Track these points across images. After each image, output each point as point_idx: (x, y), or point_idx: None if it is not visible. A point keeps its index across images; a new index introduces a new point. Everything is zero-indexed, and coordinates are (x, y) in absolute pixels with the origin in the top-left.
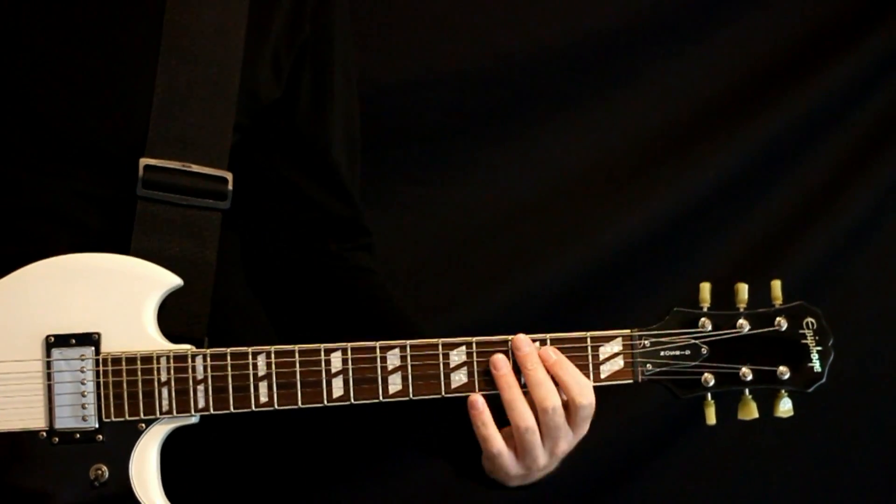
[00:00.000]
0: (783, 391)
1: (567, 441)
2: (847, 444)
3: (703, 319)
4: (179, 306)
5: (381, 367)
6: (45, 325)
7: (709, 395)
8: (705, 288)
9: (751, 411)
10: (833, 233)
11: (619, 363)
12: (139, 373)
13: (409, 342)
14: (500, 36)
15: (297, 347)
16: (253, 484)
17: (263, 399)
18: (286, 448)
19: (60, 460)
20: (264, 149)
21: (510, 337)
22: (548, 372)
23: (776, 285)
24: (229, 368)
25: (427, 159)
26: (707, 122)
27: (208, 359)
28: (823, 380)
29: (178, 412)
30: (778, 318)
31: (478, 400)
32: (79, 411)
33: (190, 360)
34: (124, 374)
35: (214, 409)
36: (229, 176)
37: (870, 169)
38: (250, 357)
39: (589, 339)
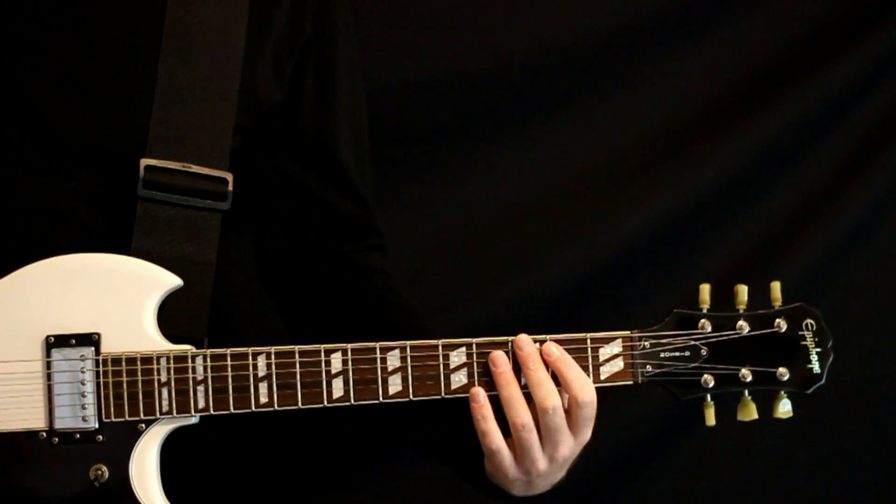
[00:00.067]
0: (782, 392)
1: (568, 446)
2: (847, 445)
3: (702, 321)
4: (179, 307)
5: (381, 368)
6: (44, 325)
7: (708, 396)
8: (705, 289)
9: (750, 412)
10: (833, 233)
11: (619, 364)
12: (139, 373)
13: (408, 343)
14: (500, 36)
15: (297, 348)
16: (253, 484)
17: (263, 399)
18: (286, 448)
19: (60, 460)
20: (271, 150)
21: (511, 338)
22: (550, 368)
23: (776, 287)
24: (229, 369)
25: (427, 159)
26: (707, 122)
27: (208, 359)
28: (823, 381)
29: (177, 412)
30: (777, 320)
31: (479, 393)
32: (79, 411)
33: (190, 360)
34: (124, 374)
35: (214, 410)
36: (229, 177)
37: (870, 169)
38: (250, 357)
39: (589, 341)
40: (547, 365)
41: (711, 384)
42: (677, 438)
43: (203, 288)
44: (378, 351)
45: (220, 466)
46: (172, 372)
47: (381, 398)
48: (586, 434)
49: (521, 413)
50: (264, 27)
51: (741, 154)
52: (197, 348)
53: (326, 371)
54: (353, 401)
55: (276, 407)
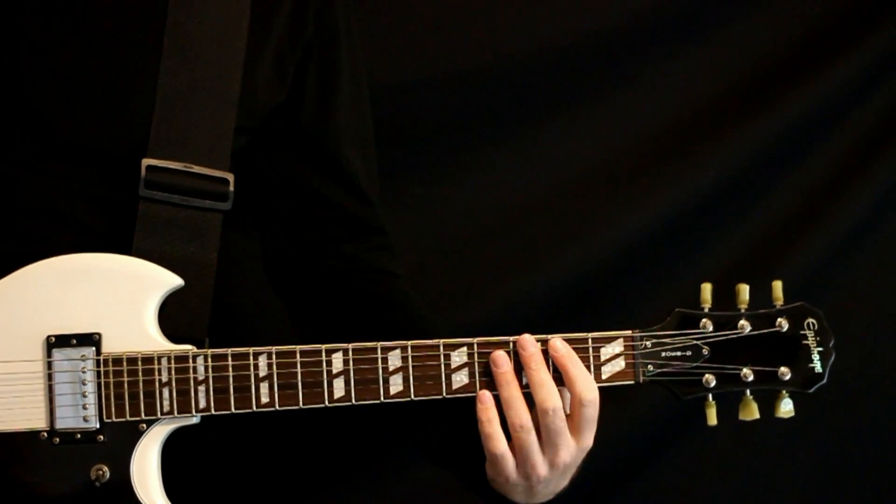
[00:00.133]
0: (784, 392)
1: (569, 451)
2: (847, 444)
3: (704, 320)
4: (180, 307)
5: (383, 368)
6: (45, 325)
7: (710, 395)
8: (706, 289)
9: (752, 412)
10: (833, 233)
11: (620, 364)
12: (140, 373)
13: (409, 343)
14: (500, 36)
15: (298, 348)
16: (254, 484)
17: (265, 400)
18: (287, 448)
19: (61, 461)
20: (273, 149)
21: (512, 338)
22: (556, 363)
23: (777, 286)
24: (230, 369)
25: (427, 159)
26: (707, 122)
27: (209, 359)
28: (824, 380)
29: (179, 412)
30: (779, 319)
31: (486, 395)
32: (80, 411)
33: (191, 360)
34: (125, 374)
35: (215, 410)
36: (231, 177)
37: (870, 169)
38: (251, 357)
39: (590, 340)
40: (550, 364)
41: (713, 384)
42: (677, 438)
43: (204, 288)
44: (379, 351)
45: (221, 466)
46: (173, 372)
47: (382, 398)
48: (588, 439)
49: (520, 414)
50: (265, 27)
51: (741, 154)
52: (198, 348)
53: (328, 371)
54: (354, 401)
55: (277, 407)
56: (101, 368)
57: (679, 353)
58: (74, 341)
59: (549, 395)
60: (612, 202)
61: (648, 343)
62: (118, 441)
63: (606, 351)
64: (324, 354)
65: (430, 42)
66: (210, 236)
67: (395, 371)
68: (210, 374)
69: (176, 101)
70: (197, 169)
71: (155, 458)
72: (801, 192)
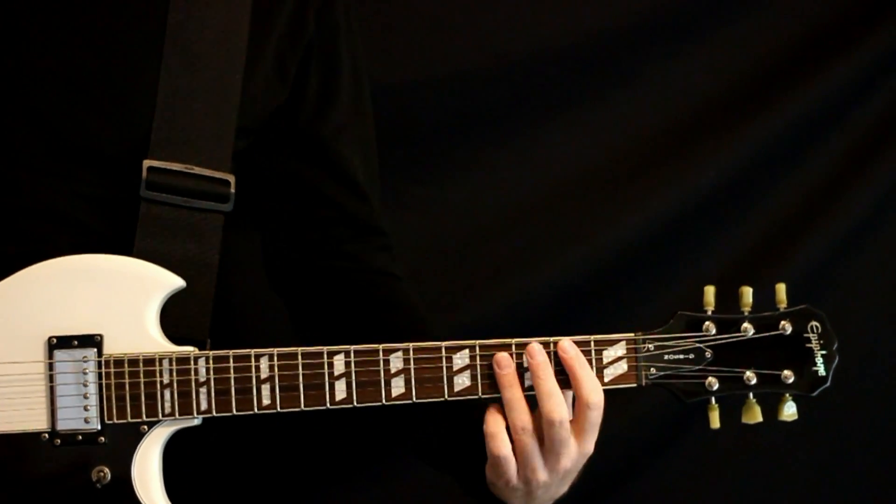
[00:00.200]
0: (787, 395)
1: (571, 458)
2: (847, 445)
3: (707, 323)
4: (182, 308)
5: (384, 370)
6: (47, 326)
7: (712, 399)
8: (710, 291)
9: (755, 415)
10: (833, 233)
11: (622, 367)
12: (141, 374)
13: (411, 345)
14: (500, 36)
15: (299, 350)
16: (255, 486)
17: (266, 402)
18: (289, 449)
19: (62, 462)
20: (276, 150)
21: (513, 340)
22: (564, 364)
23: (781, 288)
24: (232, 371)
25: (427, 159)
26: (707, 122)
27: (211, 361)
28: (828, 384)
29: (180, 414)
30: (782, 322)
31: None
32: (81, 413)
33: (192, 362)
34: (126, 375)
35: (217, 412)
36: (232, 178)
37: (870, 169)
38: (253, 359)
39: (592, 343)
40: (557, 365)
41: (716, 387)
42: (678, 438)
43: (205, 289)
44: (381, 353)
45: (222, 468)
46: (175, 373)
47: (383, 400)
48: (590, 444)
49: (521, 416)
50: (267, 28)
51: (741, 154)
52: (199, 350)
53: (329, 373)
54: (355, 403)
55: (278, 409)
56: (103, 370)
57: (682, 356)
58: (76, 342)
59: (557, 406)
60: (612, 202)
61: (651, 346)
62: (119, 442)
63: (609, 353)
64: (325, 356)
65: (430, 42)
66: (211, 237)
67: (397, 373)
68: (211, 376)
69: (177, 101)
70: (198, 170)
71: (156, 460)
72: (801, 192)
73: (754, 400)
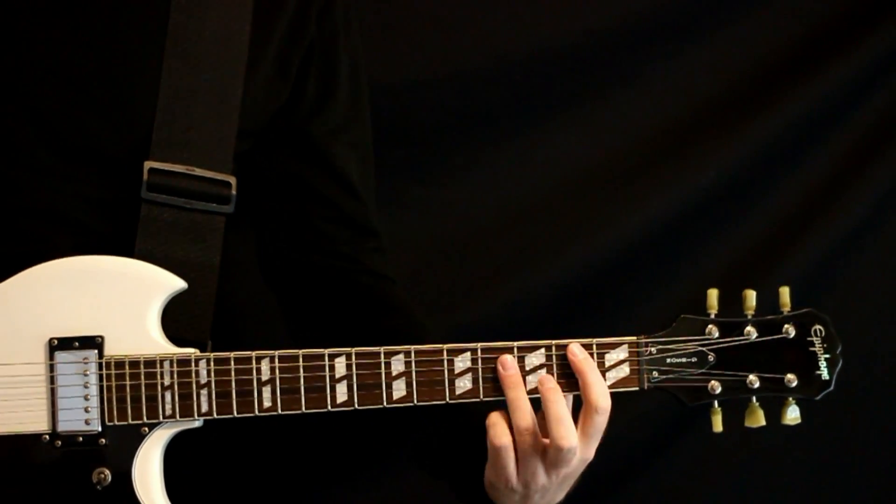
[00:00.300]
0: (791, 399)
1: (572, 464)
2: (847, 445)
3: (710, 326)
4: (183, 310)
5: (386, 373)
6: (48, 327)
7: (715, 402)
8: (713, 294)
9: (758, 419)
10: (833, 233)
11: (624, 370)
12: (142, 376)
13: (413, 347)
14: (500, 36)
15: (301, 352)
16: (256, 487)
17: (267, 404)
18: (289, 451)
19: (63, 464)
20: (275, 150)
21: (515, 343)
22: (574, 367)
23: (785, 292)
24: (233, 373)
25: (427, 159)
26: (707, 122)
27: (212, 363)
28: (831, 388)
29: (181, 416)
30: (786, 326)
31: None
32: (82, 415)
33: (193, 363)
34: (127, 377)
35: (218, 414)
36: (233, 180)
37: (870, 169)
38: (254, 361)
39: (595, 346)
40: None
41: (718, 390)
42: (678, 438)
43: (207, 291)
44: (382, 355)
45: (222, 470)
46: (176, 375)
47: (385, 403)
48: (592, 449)
49: (525, 417)
50: (268, 28)
51: (741, 154)
52: (200, 351)
53: (330, 376)
54: (357, 405)
55: (279, 411)
56: (104, 371)
57: (684, 360)
58: (77, 344)
59: (567, 434)
60: (612, 202)
61: (653, 349)
62: (120, 444)
63: (611, 357)
64: (327, 359)
65: (430, 42)
66: (212, 239)
67: (398, 376)
68: (212, 378)
69: (178, 102)
70: (199, 171)
71: (157, 462)
72: (801, 192)
73: (757, 404)
